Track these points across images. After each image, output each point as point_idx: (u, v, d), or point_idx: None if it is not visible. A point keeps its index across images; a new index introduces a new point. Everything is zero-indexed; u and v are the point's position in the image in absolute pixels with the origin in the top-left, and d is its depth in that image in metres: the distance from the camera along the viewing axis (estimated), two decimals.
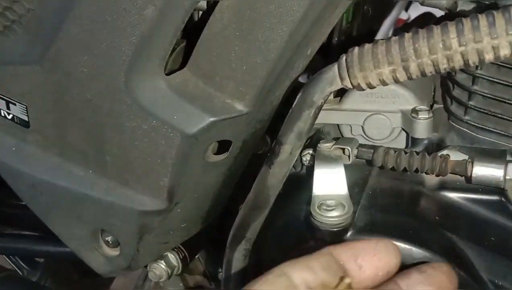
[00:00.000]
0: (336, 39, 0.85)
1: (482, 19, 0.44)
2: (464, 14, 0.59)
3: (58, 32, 0.57)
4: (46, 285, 1.14)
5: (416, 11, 1.55)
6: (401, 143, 0.70)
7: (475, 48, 0.44)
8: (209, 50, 0.57)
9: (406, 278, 0.48)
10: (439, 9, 0.62)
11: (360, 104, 0.69)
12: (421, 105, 0.67)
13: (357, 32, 0.90)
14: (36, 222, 1.08)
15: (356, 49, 0.49)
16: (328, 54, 0.87)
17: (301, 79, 0.67)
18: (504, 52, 0.43)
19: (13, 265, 1.15)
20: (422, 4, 0.62)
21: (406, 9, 1.71)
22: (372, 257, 0.47)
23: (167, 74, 0.59)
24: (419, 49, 0.45)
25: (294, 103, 0.55)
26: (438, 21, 0.80)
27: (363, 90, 0.49)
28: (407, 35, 0.46)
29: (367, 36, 0.98)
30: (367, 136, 0.70)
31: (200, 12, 0.63)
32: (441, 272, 0.49)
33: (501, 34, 0.43)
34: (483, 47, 0.43)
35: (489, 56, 0.44)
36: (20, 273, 1.16)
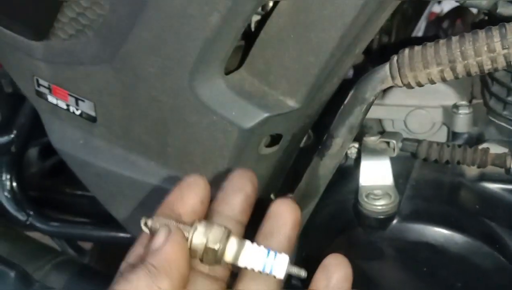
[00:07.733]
0: (377, 37, 0.89)
1: None
2: (503, 16, 0.62)
3: (128, 36, 0.62)
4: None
5: (449, 4, 1.56)
6: (441, 137, 0.74)
7: None
8: (265, 51, 0.61)
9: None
10: (479, 9, 0.66)
11: (402, 99, 0.73)
12: (461, 100, 0.71)
13: (396, 30, 0.94)
14: (89, 209, 1.15)
15: (407, 50, 0.53)
16: (369, 51, 0.91)
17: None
18: None
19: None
20: (462, 4, 0.65)
21: (439, 2, 1.72)
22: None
23: (225, 74, 0.64)
24: (465, 52, 0.49)
25: (347, 100, 0.59)
26: (474, 22, 0.82)
27: (412, 88, 0.53)
28: (454, 39, 0.50)
29: (405, 33, 1.02)
30: (409, 130, 0.74)
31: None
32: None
33: None
34: None
35: None
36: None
